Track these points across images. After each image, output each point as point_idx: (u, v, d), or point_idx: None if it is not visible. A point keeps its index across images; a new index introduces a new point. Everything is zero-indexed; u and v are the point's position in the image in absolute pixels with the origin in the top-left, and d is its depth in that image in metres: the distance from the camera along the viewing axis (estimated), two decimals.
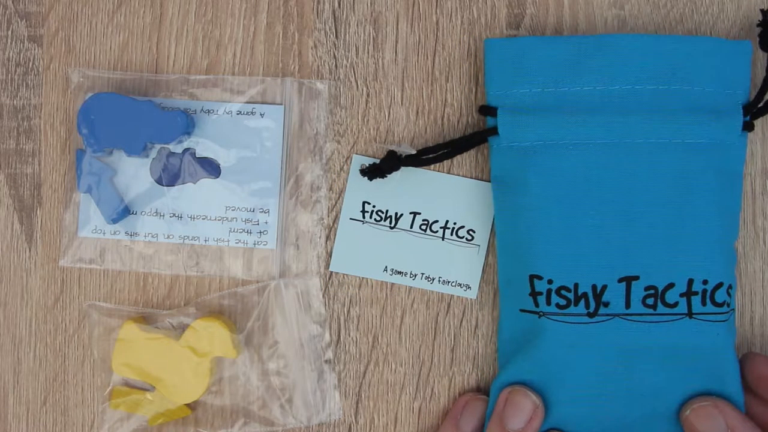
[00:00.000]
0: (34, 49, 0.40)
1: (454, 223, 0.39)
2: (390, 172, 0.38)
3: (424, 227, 0.39)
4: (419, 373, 0.39)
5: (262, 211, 0.39)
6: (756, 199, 0.38)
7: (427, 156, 0.38)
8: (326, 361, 0.39)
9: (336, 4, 0.39)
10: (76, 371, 0.40)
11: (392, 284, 0.39)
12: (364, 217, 0.39)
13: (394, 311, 0.39)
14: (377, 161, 0.38)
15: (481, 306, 0.39)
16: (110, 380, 0.39)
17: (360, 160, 0.39)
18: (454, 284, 0.39)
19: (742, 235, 0.38)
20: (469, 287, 0.39)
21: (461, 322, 0.39)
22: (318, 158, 0.39)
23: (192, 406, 0.39)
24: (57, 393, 0.40)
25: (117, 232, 0.39)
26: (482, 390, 0.39)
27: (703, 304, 0.35)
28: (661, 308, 0.35)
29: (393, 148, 0.38)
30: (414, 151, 0.37)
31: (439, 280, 0.39)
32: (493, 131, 0.36)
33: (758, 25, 0.37)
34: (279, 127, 0.39)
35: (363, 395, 0.39)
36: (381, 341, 0.39)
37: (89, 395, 0.40)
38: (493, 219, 0.38)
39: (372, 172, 0.38)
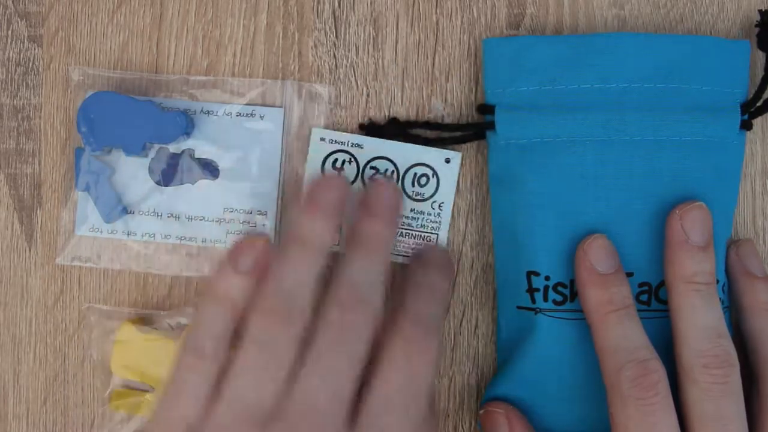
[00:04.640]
0: (34, 49, 0.40)
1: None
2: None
3: None
4: None
5: (260, 214, 0.39)
6: (756, 199, 0.38)
7: (418, 132, 0.37)
8: None
9: (336, 4, 0.39)
10: (76, 371, 0.40)
11: None
12: None
13: None
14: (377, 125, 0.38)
15: (481, 306, 0.39)
16: (110, 382, 0.39)
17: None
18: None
19: (743, 235, 0.38)
20: None
21: (461, 321, 0.39)
22: None
23: None
24: (57, 393, 0.40)
25: (114, 231, 0.39)
26: (482, 390, 0.39)
27: None
28: (654, 304, 0.35)
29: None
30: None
31: None
32: (492, 128, 0.36)
33: (756, 26, 0.37)
34: (278, 130, 0.39)
35: None
36: None
37: (89, 395, 0.40)
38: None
39: (369, 129, 0.38)
